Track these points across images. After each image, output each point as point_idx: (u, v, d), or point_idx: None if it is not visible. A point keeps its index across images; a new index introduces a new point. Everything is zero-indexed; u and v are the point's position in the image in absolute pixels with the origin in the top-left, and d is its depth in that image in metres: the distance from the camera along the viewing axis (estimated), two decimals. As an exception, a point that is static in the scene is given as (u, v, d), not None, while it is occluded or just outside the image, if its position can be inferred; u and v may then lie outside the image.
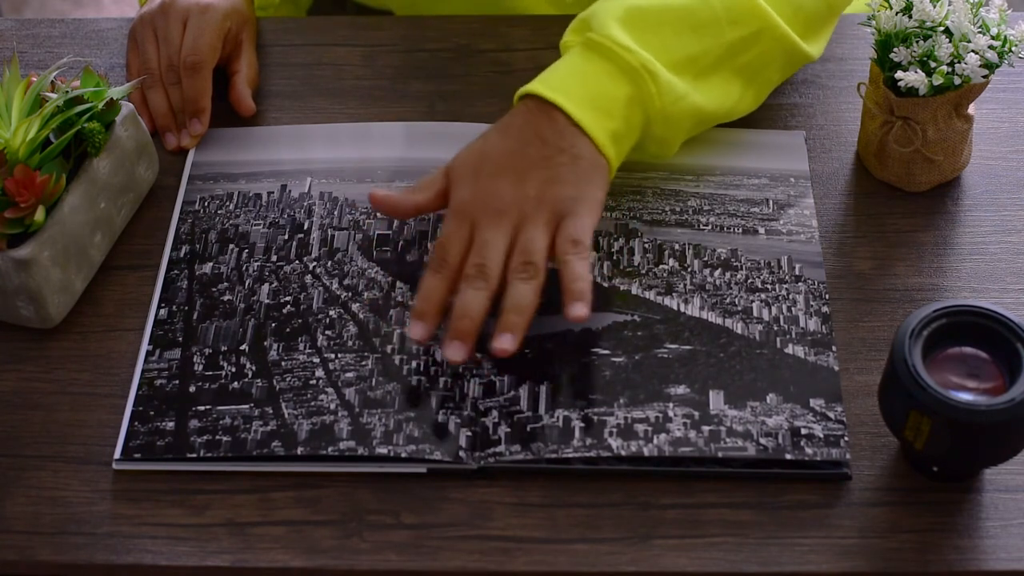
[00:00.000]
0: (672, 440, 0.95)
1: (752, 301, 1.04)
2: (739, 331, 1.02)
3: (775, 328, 1.02)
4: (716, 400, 0.98)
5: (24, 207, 0.99)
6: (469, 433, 0.97)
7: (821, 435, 0.95)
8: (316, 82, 1.24)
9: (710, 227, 1.10)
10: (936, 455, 0.91)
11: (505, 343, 0.96)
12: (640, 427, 0.96)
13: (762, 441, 0.95)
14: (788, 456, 0.94)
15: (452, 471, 0.96)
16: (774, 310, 1.03)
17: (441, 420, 0.97)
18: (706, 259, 1.08)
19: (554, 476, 0.96)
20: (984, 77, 1.05)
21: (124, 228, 1.12)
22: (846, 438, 0.95)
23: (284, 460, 0.96)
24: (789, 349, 1.01)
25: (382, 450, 0.96)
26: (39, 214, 1.00)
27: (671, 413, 0.97)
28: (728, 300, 1.04)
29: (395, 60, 1.26)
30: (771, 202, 1.11)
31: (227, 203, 1.14)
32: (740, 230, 1.10)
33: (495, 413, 0.98)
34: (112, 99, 1.08)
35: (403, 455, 0.95)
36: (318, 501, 0.95)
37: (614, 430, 0.96)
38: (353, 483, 0.96)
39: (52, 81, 1.07)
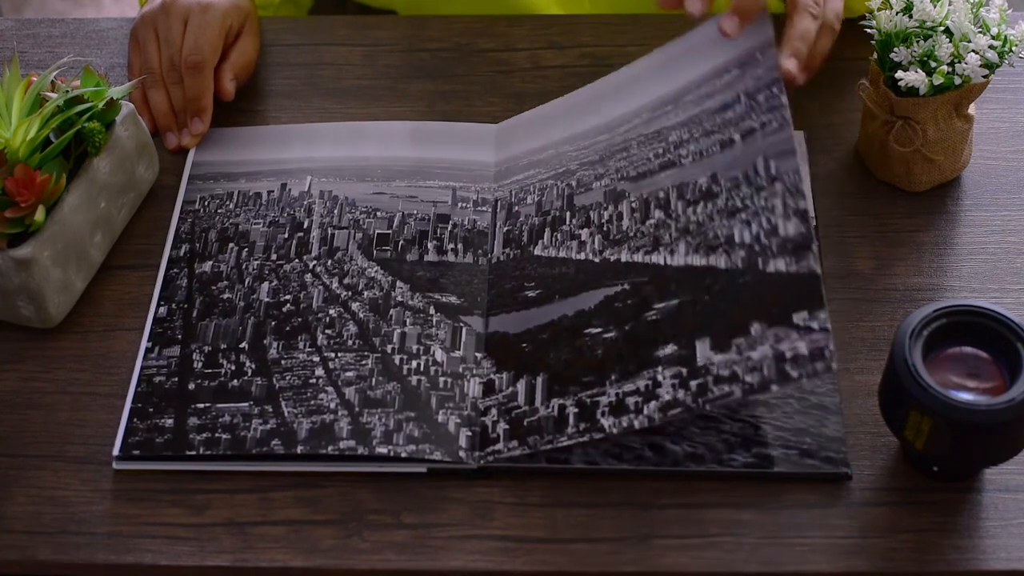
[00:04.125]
0: (661, 405, 0.93)
1: (733, 226, 1.01)
2: (722, 265, 1.00)
3: (756, 248, 0.98)
4: (703, 349, 0.96)
5: (24, 207, 0.99)
6: (469, 433, 0.97)
7: (805, 351, 0.91)
8: (316, 82, 1.24)
9: (691, 158, 1.07)
10: (936, 455, 0.91)
11: (792, 65, 1.08)
12: (631, 400, 0.95)
13: (747, 379, 0.92)
14: (774, 387, 0.91)
15: (452, 471, 0.96)
16: (754, 227, 1.00)
17: (441, 420, 0.97)
18: (689, 197, 1.05)
19: (554, 476, 0.96)
20: (984, 77, 1.05)
21: (124, 228, 1.12)
22: (831, 347, 0.91)
23: (284, 459, 0.96)
24: (771, 267, 0.97)
25: (382, 450, 0.96)
26: (39, 214, 1.00)
27: (659, 377, 0.95)
28: (711, 235, 1.02)
29: (395, 60, 1.26)
30: (743, 95, 1.07)
31: (227, 202, 1.14)
32: (718, 146, 1.06)
33: (494, 411, 0.98)
34: (112, 99, 1.08)
35: (403, 455, 0.95)
36: (318, 501, 0.95)
37: (606, 409, 0.95)
38: (353, 483, 0.96)
39: (52, 81, 1.07)
